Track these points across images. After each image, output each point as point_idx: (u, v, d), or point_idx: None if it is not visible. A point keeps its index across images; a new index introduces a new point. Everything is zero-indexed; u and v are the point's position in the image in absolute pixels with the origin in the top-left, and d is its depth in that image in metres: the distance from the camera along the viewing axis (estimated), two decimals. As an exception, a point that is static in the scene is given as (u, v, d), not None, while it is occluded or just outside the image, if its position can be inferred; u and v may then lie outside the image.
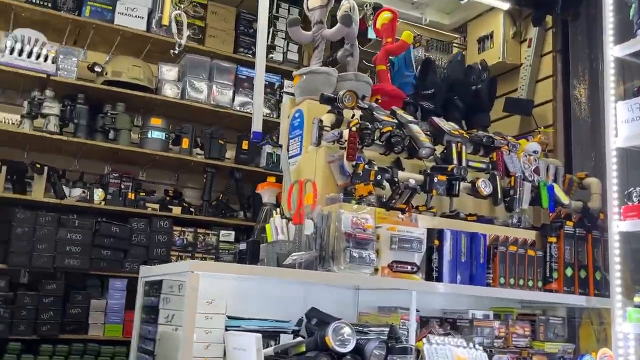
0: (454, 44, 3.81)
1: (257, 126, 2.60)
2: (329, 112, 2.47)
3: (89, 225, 3.87)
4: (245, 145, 4.40)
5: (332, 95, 2.45)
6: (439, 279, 2.33)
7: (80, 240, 3.81)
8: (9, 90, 4.13)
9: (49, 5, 3.96)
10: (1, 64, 3.75)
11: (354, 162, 2.25)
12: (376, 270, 2.22)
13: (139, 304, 2.40)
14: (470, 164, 2.59)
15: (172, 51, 2.81)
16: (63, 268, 3.77)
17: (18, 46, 3.79)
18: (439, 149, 2.61)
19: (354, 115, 2.50)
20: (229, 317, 2.14)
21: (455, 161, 2.51)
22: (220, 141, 4.34)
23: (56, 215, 3.80)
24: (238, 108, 4.40)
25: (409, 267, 2.26)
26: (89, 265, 3.83)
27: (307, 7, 2.79)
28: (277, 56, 4.56)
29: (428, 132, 2.62)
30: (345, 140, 2.29)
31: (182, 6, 2.73)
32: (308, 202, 2.27)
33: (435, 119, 2.69)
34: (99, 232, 3.88)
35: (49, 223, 3.77)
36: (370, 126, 2.38)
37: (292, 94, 2.79)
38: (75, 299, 3.82)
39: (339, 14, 2.76)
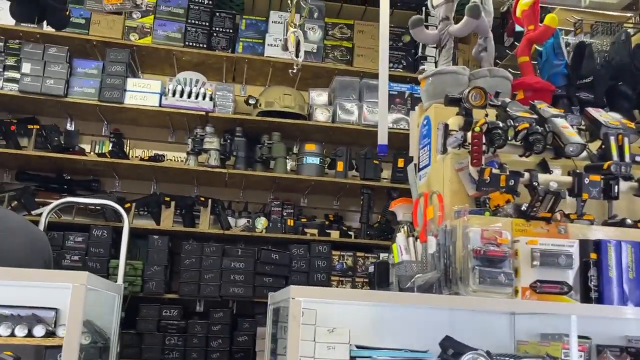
0: (627, 25, 3.25)
1: (382, 139, 2.42)
2: (457, 114, 2.20)
3: (251, 254, 3.96)
4: (400, 163, 4.21)
5: (457, 95, 2.18)
6: (600, 300, 1.91)
7: (244, 269, 3.90)
8: (178, 130, 4.43)
9: (205, 46, 4.19)
10: (167, 106, 4.03)
11: (478, 168, 1.96)
12: (516, 291, 1.89)
13: (267, 333, 2.33)
14: (638, 159, 2.12)
15: (290, 71, 2.76)
16: (229, 296, 3.89)
17: (179, 88, 4.05)
18: (597, 144, 2.19)
19: (487, 114, 2.20)
20: (358, 347, 1.97)
21: (615, 157, 2.08)
22: (374, 161, 4.21)
23: (221, 246, 3.95)
24: (391, 125, 4.23)
25: (559, 288, 1.89)
26: (252, 292, 3.90)
27: (432, 5, 2.56)
28: (430, 66, 4.32)
29: (582, 127, 2.22)
30: (469, 144, 2.01)
31: (296, 24, 2.67)
32: (430, 217, 2.02)
33: (591, 110, 2.27)
34: (261, 260, 3.94)
35: (214, 253, 3.92)
36: (501, 125, 2.06)
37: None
38: (243, 326, 3.90)
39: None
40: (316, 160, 4.17)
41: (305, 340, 1.88)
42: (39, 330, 1.98)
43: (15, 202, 3.90)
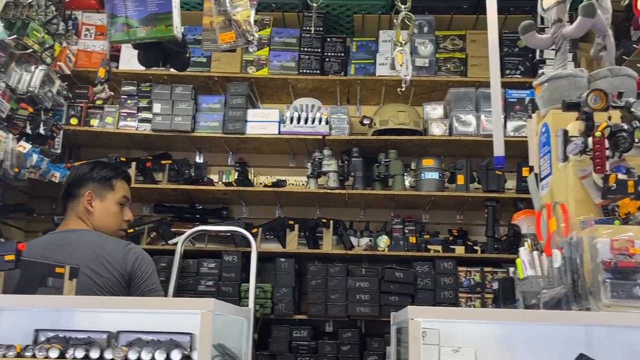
0: None
1: (498, 151, 2.35)
2: (576, 119, 2.09)
3: (375, 273, 3.97)
4: (525, 172, 4.02)
5: (576, 99, 2.07)
6: None
7: (369, 288, 3.92)
8: (297, 155, 4.56)
9: (318, 72, 4.30)
10: (286, 133, 4.17)
11: (602, 175, 1.84)
12: (656, 305, 1.75)
13: (392, 352, 2.32)
14: None
15: (399, 89, 2.76)
16: (356, 316, 3.92)
17: (296, 115, 4.18)
18: None
19: (610, 117, 2.07)
20: (485, 367, 1.91)
21: None
22: (497, 172, 4.07)
23: (345, 266, 4.00)
24: (512, 134, 4.09)
25: None
26: (379, 311, 3.90)
27: (542, 8, 2.46)
28: (549, 69, 4.12)
29: None
30: (591, 150, 1.90)
31: (402, 42, 2.67)
32: (554, 229, 1.93)
33: None
34: (385, 279, 3.93)
35: (339, 273, 3.97)
36: (626, 127, 1.94)
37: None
38: (372, 346, 3.91)
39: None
40: (435, 175, 4.12)
41: (429, 360, 1.86)
42: (176, 355, 2.11)
43: (154, 233, 4.20)
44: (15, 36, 3.38)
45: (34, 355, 2.06)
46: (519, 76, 4.20)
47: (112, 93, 4.03)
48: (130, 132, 4.20)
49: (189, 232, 3.86)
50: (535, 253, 2.05)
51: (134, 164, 4.20)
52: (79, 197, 2.56)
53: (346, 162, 4.21)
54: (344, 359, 3.85)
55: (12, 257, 2.25)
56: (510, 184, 4.16)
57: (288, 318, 3.96)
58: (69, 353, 2.08)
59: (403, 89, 2.69)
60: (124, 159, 4.21)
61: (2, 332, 2.20)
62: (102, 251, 2.41)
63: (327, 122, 4.17)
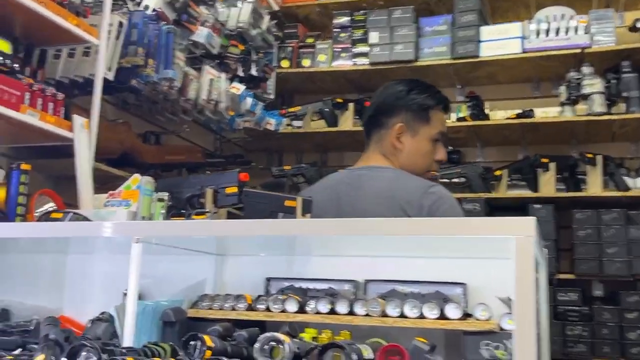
0: None
1: None
2: None
3: (668, 219, 3.03)
4: None
5: None
6: None
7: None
8: (543, 82, 3.72)
9: (570, -26, 3.42)
10: (531, 50, 3.36)
11: None
12: None
13: None
14: None
15: None
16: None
17: (544, 27, 3.35)
18: None
19: None
20: None
21: None
22: None
23: (622, 212, 3.11)
24: None
25: None
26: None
27: None
28: None
29: None
30: None
31: None
32: None
33: None
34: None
35: (615, 221, 3.10)
36: None
37: None
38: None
39: None
40: None
41: None
42: (453, 311, 1.52)
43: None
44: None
45: (268, 308, 1.59)
46: None
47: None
48: (346, 69, 3.71)
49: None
50: None
51: (351, 105, 3.70)
52: (387, 129, 1.95)
53: (614, 81, 3.28)
54: (631, 329, 2.99)
55: (234, 189, 1.82)
56: None
57: (549, 278, 3.18)
58: (310, 306, 1.58)
59: None
60: (340, 100, 3.72)
61: (229, 280, 1.78)
62: (399, 191, 1.86)
63: (586, 32, 3.27)
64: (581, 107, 3.36)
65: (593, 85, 3.26)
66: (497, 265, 1.62)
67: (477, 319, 1.52)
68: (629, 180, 3.29)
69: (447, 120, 3.57)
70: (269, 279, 1.75)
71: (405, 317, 1.51)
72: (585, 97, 3.30)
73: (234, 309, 1.62)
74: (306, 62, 3.78)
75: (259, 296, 1.62)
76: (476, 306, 1.54)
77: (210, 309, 1.65)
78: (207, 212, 1.72)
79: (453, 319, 1.49)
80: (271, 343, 1.28)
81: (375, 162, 1.96)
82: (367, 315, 1.53)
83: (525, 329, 1.05)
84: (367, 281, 1.73)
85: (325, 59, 3.75)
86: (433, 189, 1.82)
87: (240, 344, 1.40)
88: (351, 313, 1.54)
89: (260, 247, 1.79)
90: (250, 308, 1.60)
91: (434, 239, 1.38)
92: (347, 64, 3.72)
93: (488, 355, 1.38)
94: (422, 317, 1.51)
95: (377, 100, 2.00)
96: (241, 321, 1.58)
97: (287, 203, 1.70)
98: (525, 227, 1.08)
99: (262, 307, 1.59)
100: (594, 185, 3.26)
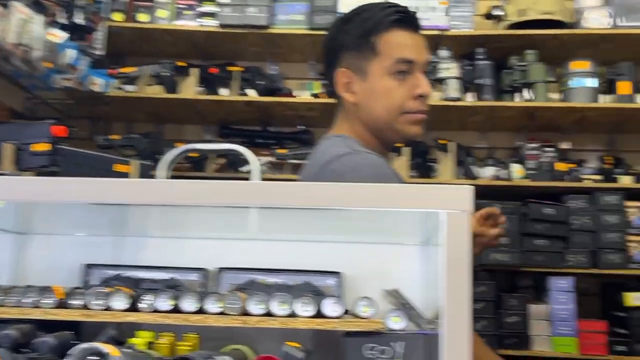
0: None
1: None
2: None
3: (513, 209, 3.02)
4: None
5: None
6: None
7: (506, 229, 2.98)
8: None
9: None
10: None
11: None
12: None
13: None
14: None
15: None
16: (490, 265, 2.99)
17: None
18: None
19: None
20: None
21: None
22: (676, 77, 3.07)
23: (472, 200, 3.06)
24: (700, 25, 3.05)
25: None
26: (519, 260, 2.97)
27: None
28: None
29: None
30: None
31: None
32: None
33: None
34: (528, 217, 2.99)
35: (465, 210, 3.03)
36: None
37: None
38: (509, 303, 2.99)
39: None
40: (594, 82, 3.11)
41: None
42: (332, 307, 1.21)
43: (224, 160, 3.31)
44: None
45: (85, 305, 1.17)
46: None
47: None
48: (190, 29, 3.27)
49: (175, 151, 2.88)
50: None
51: (194, 70, 3.28)
52: (333, 84, 1.48)
53: (468, 67, 3.23)
54: (476, 319, 2.94)
55: (45, 146, 1.35)
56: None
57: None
58: (145, 302, 1.17)
59: None
60: (183, 64, 3.29)
61: (33, 267, 1.32)
62: (304, 171, 1.49)
63: (446, 14, 3.17)
64: (436, 92, 3.26)
65: (449, 69, 3.18)
66: (382, 250, 1.36)
67: (358, 317, 1.23)
68: (476, 170, 3.26)
69: (303, 97, 3.33)
70: (88, 266, 1.32)
71: (272, 315, 1.18)
72: (441, 81, 3.20)
73: (37, 306, 1.16)
74: (143, 17, 3.28)
75: (75, 288, 1.18)
76: (358, 301, 1.25)
77: (2, 305, 1.18)
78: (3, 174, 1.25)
79: (332, 317, 1.19)
80: (89, 359, 0.88)
81: (332, 130, 1.52)
82: (222, 313, 1.17)
83: (458, 330, 0.77)
84: (221, 269, 1.37)
85: (167, 15, 3.28)
86: (332, 165, 1.38)
87: (42, 356, 0.99)
88: (201, 311, 1.17)
89: (76, 224, 1.34)
90: (62, 304, 1.16)
91: (303, 217, 1.07)
92: (191, 24, 3.29)
93: (381, 364, 1.10)
94: (292, 315, 1.19)
95: (323, 49, 1.53)
96: (48, 322, 1.14)
97: (117, 167, 1.29)
98: (460, 199, 0.80)
99: (78, 303, 1.15)
100: (445, 172, 3.18)
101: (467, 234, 0.79)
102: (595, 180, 3.07)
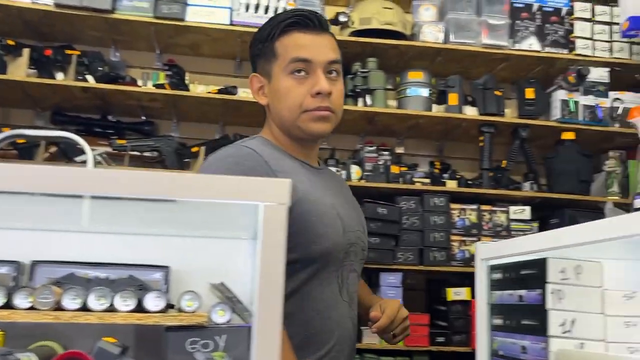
0: None
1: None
2: None
3: (350, 208, 3.15)
4: (530, 93, 3.38)
5: None
6: None
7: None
8: (246, 61, 3.58)
9: (282, -49, 3.33)
10: (239, 24, 3.18)
11: None
12: None
13: (482, 301, 1.52)
14: None
15: None
16: (326, 261, 3.09)
17: (253, 1, 3.21)
18: None
19: None
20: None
21: None
22: (496, 92, 3.38)
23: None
24: (517, 47, 3.38)
25: None
26: (354, 257, 3.10)
27: None
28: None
29: None
30: None
31: None
32: None
33: None
34: (364, 216, 3.11)
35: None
36: None
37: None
38: (342, 299, 3.11)
39: None
40: (425, 92, 3.33)
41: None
42: (153, 301, 1.18)
43: (55, 148, 3.09)
44: None
45: None
46: (527, -22, 3.48)
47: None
48: (22, 5, 3.02)
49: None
50: None
51: (26, 51, 3.04)
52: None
53: (313, 69, 3.31)
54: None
55: None
56: (510, 110, 3.48)
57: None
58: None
59: None
60: (12, 43, 3.03)
61: None
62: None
63: (293, 15, 3.23)
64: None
65: (295, 70, 3.23)
66: (212, 244, 1.36)
67: (183, 311, 1.21)
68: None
69: (146, 88, 3.21)
70: None
71: (89, 310, 1.13)
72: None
73: None
74: (-33, -12, 2.98)
75: None
76: (182, 295, 1.23)
77: None
78: None
79: (153, 312, 1.16)
80: None
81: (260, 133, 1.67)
82: (32, 308, 1.09)
83: (269, 322, 0.78)
84: (35, 262, 1.28)
85: (-5, -12, 3.00)
86: (205, 162, 1.59)
87: None
88: (8, 306, 1.09)
89: None
90: None
91: (132, 208, 1.04)
92: (24, 1, 3.04)
93: (203, 358, 1.09)
94: (111, 309, 1.14)
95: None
96: None
97: None
98: (278, 192, 0.82)
99: None
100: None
101: (283, 227, 0.81)
102: (425, 184, 3.28)
